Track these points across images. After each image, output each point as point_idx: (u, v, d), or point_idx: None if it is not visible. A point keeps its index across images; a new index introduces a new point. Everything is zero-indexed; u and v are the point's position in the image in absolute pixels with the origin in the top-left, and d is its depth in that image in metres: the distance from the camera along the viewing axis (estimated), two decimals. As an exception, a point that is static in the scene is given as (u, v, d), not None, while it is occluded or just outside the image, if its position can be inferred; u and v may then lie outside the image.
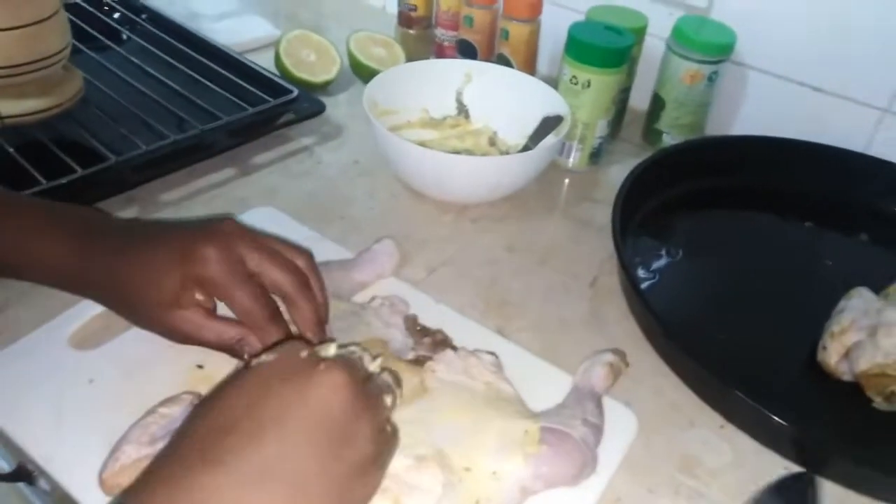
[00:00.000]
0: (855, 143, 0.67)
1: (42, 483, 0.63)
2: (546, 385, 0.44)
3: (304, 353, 0.33)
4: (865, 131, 0.68)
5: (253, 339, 0.40)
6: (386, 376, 0.36)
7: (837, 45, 0.67)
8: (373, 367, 0.35)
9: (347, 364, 0.32)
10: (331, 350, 0.34)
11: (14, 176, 0.54)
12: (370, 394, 0.33)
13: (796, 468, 0.43)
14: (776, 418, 0.41)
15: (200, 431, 0.30)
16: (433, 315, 0.49)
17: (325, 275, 0.47)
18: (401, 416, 0.37)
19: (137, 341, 0.45)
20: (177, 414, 0.38)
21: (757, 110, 0.75)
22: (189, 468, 0.29)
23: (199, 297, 0.40)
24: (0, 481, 0.66)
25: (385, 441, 0.33)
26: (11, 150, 0.58)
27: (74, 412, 0.41)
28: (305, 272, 0.42)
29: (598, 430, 0.40)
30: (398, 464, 0.35)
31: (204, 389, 0.41)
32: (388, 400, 0.34)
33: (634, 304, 0.51)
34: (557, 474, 0.37)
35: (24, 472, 0.64)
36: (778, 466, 0.43)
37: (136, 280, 0.39)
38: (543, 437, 0.38)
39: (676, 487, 0.41)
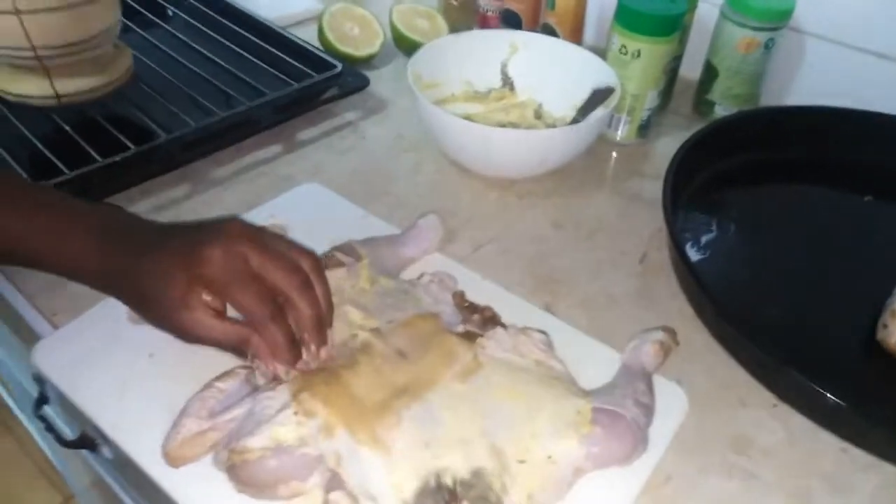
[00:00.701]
0: (920, 112, 0.64)
1: (105, 451, 0.66)
2: (596, 363, 0.44)
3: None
4: (932, 99, 0.65)
5: (257, 340, 0.40)
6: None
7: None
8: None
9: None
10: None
11: (71, 153, 0.56)
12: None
13: (854, 449, 0.42)
14: (832, 397, 0.40)
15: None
16: (481, 292, 0.49)
17: (372, 251, 0.48)
18: (456, 392, 0.37)
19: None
20: (232, 388, 0.39)
21: (814, 79, 0.72)
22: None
23: (206, 297, 0.40)
24: (64, 447, 0.69)
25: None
26: (68, 128, 0.60)
27: (137, 384, 0.43)
28: (308, 274, 0.42)
29: (648, 410, 0.40)
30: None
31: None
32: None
33: (685, 281, 0.50)
34: (609, 455, 0.37)
35: (88, 440, 0.67)
36: (833, 447, 0.42)
37: (147, 281, 0.40)
38: (595, 418, 0.37)
39: (728, 467, 0.41)
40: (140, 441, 0.39)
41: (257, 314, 0.39)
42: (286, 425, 0.35)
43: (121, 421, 0.41)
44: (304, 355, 0.40)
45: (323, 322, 0.41)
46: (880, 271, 0.51)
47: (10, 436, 1.46)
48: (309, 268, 0.42)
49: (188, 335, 0.41)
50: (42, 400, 0.73)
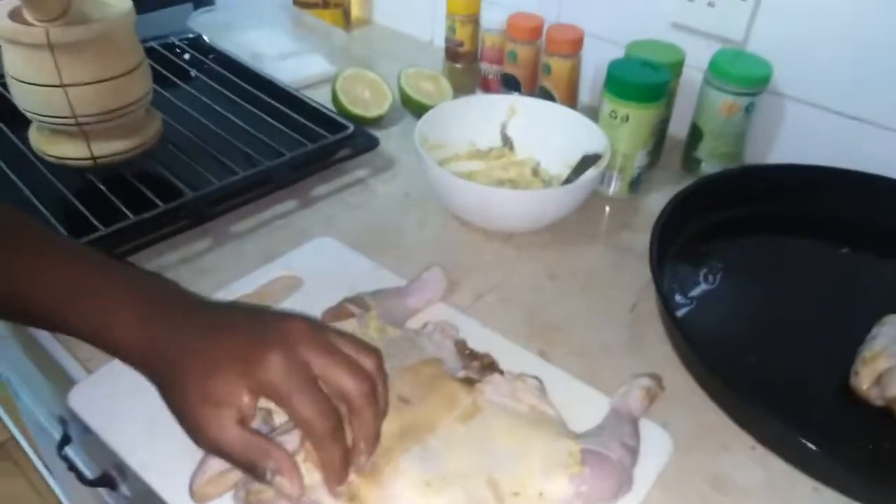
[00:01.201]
0: (892, 170, 0.69)
1: (123, 489, 0.70)
2: (586, 407, 0.48)
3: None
4: (902, 159, 0.70)
5: (282, 457, 0.37)
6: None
7: (874, 75, 0.69)
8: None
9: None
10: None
11: (105, 210, 0.61)
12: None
13: (827, 490, 0.45)
14: (806, 442, 0.43)
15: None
16: (480, 339, 0.53)
17: (380, 302, 0.52)
18: (458, 436, 0.41)
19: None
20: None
21: (795, 139, 0.77)
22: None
23: (245, 401, 0.37)
24: (85, 485, 0.73)
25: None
26: (102, 186, 0.65)
27: (166, 426, 0.46)
28: (374, 377, 0.40)
29: (634, 452, 0.43)
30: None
31: (276, 406, 0.46)
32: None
33: (670, 331, 0.54)
34: (597, 493, 0.40)
35: (108, 479, 0.70)
36: (807, 487, 0.45)
37: (189, 365, 0.38)
38: (584, 458, 0.41)
39: (709, 505, 0.44)
40: (167, 479, 0.43)
41: (319, 429, 0.37)
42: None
43: (150, 461, 0.44)
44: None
45: (379, 434, 0.40)
46: (855, 321, 0.54)
47: (22, 478, 1.48)
48: (373, 369, 0.40)
49: (206, 437, 0.37)
50: (65, 440, 0.76)
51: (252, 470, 0.38)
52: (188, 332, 0.39)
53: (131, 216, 0.60)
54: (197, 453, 0.42)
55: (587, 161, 0.67)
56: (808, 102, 0.74)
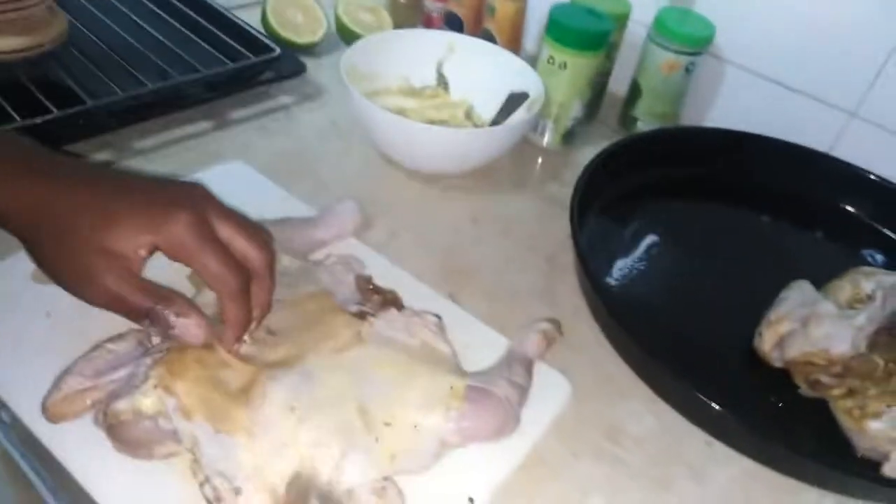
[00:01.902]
0: (821, 143, 0.69)
1: (2, 415, 0.65)
2: (485, 349, 0.46)
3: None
4: (832, 132, 0.70)
5: (184, 303, 0.38)
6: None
7: (812, 47, 0.68)
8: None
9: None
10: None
11: (-9, 112, 0.55)
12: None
13: (719, 444, 0.45)
14: (700, 395, 0.43)
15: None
16: (388, 277, 0.50)
17: (282, 231, 0.49)
18: (333, 364, 0.39)
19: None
20: (122, 350, 0.39)
21: (731, 104, 0.76)
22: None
23: (143, 256, 0.37)
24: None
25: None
26: (-9, 86, 0.59)
27: (31, 342, 0.43)
28: (270, 250, 0.41)
29: (522, 390, 0.42)
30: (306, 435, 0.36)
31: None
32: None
33: (582, 280, 0.53)
34: (477, 429, 0.39)
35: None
36: (701, 441, 0.45)
37: (84, 224, 0.36)
38: (468, 395, 0.39)
39: (600, 452, 0.44)
40: (27, 398, 0.39)
41: (232, 284, 0.37)
42: (149, 396, 0.36)
43: (11, 378, 0.41)
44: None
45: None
46: (770, 287, 0.54)
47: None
48: (271, 244, 0.41)
49: (101, 287, 0.36)
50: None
51: (153, 316, 0.37)
52: (83, 189, 0.38)
53: (18, 119, 0.55)
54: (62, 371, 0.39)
55: (514, 100, 0.64)
56: (746, 68, 0.73)
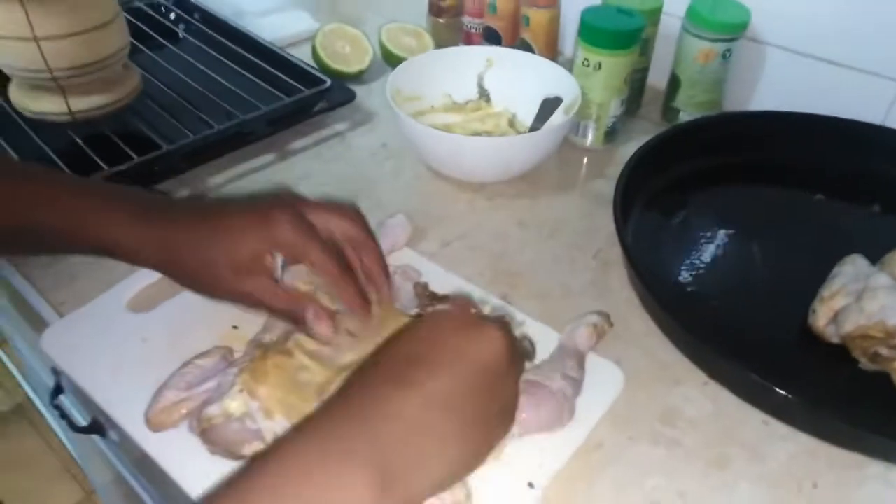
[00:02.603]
0: (872, 116, 0.68)
1: (112, 434, 0.72)
2: (542, 345, 0.49)
3: (472, 310, 0.40)
4: (882, 103, 0.68)
5: (318, 306, 0.44)
6: (526, 343, 0.45)
7: (852, 19, 0.67)
8: (518, 332, 0.41)
9: (506, 325, 0.38)
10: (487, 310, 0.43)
11: (81, 163, 0.62)
12: (517, 353, 0.38)
13: (775, 421, 0.46)
14: (753, 374, 0.44)
15: (389, 362, 0.36)
16: (443, 283, 0.53)
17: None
18: None
19: (184, 305, 0.52)
20: (209, 365, 0.44)
21: (775, 86, 0.76)
22: (380, 387, 0.34)
23: (269, 261, 0.44)
24: (76, 432, 0.76)
25: (518, 395, 0.39)
26: (80, 140, 0.66)
27: (130, 364, 0.48)
28: (363, 219, 0.48)
29: (576, 383, 0.44)
30: None
31: (237, 345, 0.48)
32: (526, 363, 0.40)
33: (629, 272, 0.55)
34: (534, 421, 0.41)
35: (97, 425, 0.73)
36: (756, 419, 0.46)
37: (212, 245, 0.43)
38: (525, 388, 0.42)
39: (656, 436, 0.45)
40: (131, 412, 0.45)
41: (335, 268, 0.43)
42: (236, 399, 0.40)
43: (114, 396, 0.46)
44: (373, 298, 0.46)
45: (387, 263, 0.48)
46: (823, 265, 0.54)
47: (35, 433, 1.54)
48: (361, 214, 0.48)
49: (251, 300, 0.43)
50: (58, 390, 0.79)
51: (294, 318, 0.43)
52: (196, 220, 0.44)
53: (105, 167, 0.62)
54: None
55: (548, 105, 0.67)
56: (786, 48, 0.73)
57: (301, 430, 0.33)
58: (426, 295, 0.51)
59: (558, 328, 0.51)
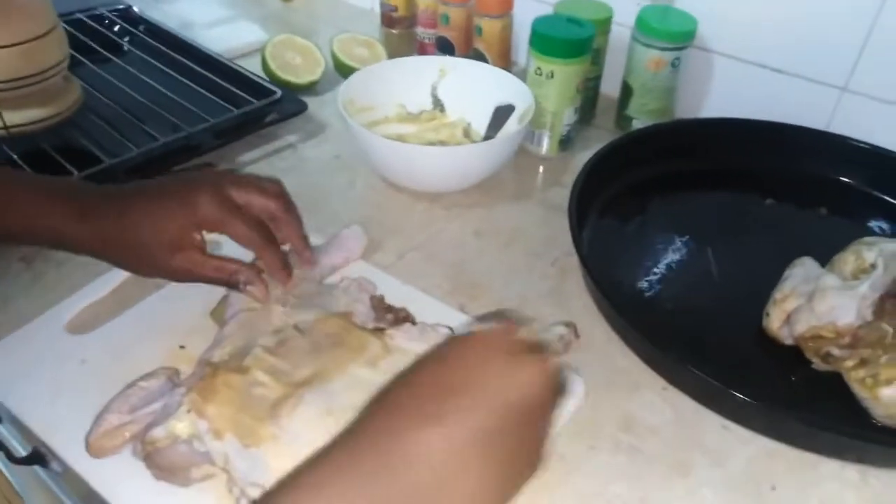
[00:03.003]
0: (816, 121, 0.70)
1: (54, 465, 0.68)
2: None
3: (514, 336, 0.35)
4: (826, 109, 0.70)
5: (246, 269, 0.47)
6: (565, 375, 0.43)
7: (793, 27, 0.69)
8: (557, 365, 0.37)
9: (548, 360, 0.34)
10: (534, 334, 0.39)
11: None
12: (556, 392, 0.34)
13: (734, 425, 0.46)
14: (708, 378, 0.44)
15: (415, 391, 0.32)
16: (399, 296, 0.52)
17: (295, 259, 0.52)
18: (367, 373, 0.41)
19: (125, 325, 0.50)
20: (154, 386, 0.42)
21: (724, 93, 0.77)
22: (403, 421, 0.30)
23: (196, 237, 0.46)
24: (15, 464, 0.71)
25: (549, 430, 0.35)
26: (15, 156, 0.63)
27: (69, 388, 0.46)
28: (285, 194, 0.49)
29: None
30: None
31: (184, 367, 0.46)
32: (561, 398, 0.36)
33: (586, 279, 0.54)
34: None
35: (38, 455, 0.69)
36: (716, 425, 0.46)
37: (141, 230, 0.45)
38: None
39: (617, 444, 0.45)
40: (70, 438, 0.42)
41: (258, 240, 0.46)
42: (182, 420, 0.38)
43: (53, 422, 0.44)
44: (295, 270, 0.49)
45: (306, 236, 0.51)
46: (775, 268, 0.54)
47: (-23, 469, 1.46)
48: (282, 191, 0.49)
49: (185, 274, 0.46)
50: (-6, 419, 0.74)
51: (226, 283, 0.47)
52: (122, 203, 0.45)
53: (43, 184, 0.59)
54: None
55: (501, 113, 0.67)
56: (733, 56, 0.74)
57: (316, 469, 0.29)
58: (382, 308, 0.50)
59: (517, 337, 0.50)
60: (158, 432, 0.38)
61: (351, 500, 0.28)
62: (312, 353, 0.43)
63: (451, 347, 0.34)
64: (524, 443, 0.32)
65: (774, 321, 0.51)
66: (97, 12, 0.91)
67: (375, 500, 0.28)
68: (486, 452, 0.30)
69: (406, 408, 0.31)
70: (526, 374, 0.32)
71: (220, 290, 0.51)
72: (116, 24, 0.91)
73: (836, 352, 0.47)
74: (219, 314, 0.50)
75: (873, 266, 0.50)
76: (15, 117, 0.64)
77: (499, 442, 0.30)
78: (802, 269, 0.52)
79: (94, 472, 0.40)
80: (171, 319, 0.51)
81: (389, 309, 0.50)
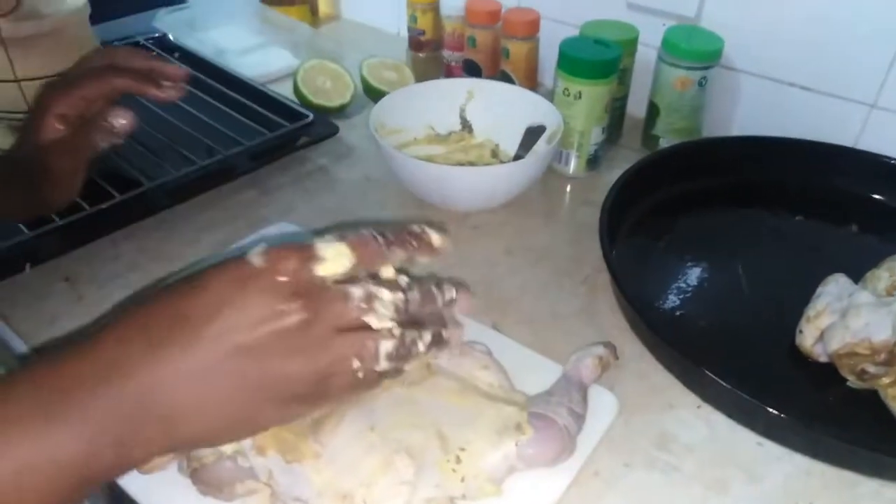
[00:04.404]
0: (845, 138, 0.70)
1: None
2: (535, 373, 0.48)
3: (255, 261, 0.32)
4: (854, 126, 0.70)
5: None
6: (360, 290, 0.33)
7: (821, 45, 0.69)
8: (323, 269, 0.32)
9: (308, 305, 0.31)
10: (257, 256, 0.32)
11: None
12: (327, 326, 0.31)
13: (769, 442, 0.46)
14: (742, 394, 0.44)
15: (152, 314, 0.32)
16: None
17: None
18: (409, 393, 0.42)
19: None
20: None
21: (752, 111, 0.78)
22: (131, 345, 0.31)
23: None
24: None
25: (324, 383, 0.32)
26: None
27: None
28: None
29: (580, 419, 0.43)
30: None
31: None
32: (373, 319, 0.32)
33: (618, 296, 0.55)
34: (539, 456, 0.41)
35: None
36: (750, 442, 0.46)
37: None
38: (531, 422, 0.41)
39: (652, 461, 0.45)
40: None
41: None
42: None
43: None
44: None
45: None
46: (807, 285, 0.54)
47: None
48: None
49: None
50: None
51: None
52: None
53: (87, 207, 0.61)
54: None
55: (532, 133, 0.68)
56: (760, 75, 0.75)
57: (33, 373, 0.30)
58: (416, 326, 0.51)
59: (550, 354, 0.51)
60: (203, 449, 0.39)
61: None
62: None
63: (206, 274, 0.32)
64: (253, 391, 0.31)
65: (808, 338, 0.51)
66: (135, 40, 0.94)
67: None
68: (204, 391, 0.31)
69: (139, 331, 0.31)
70: (255, 318, 0.31)
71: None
72: (153, 51, 0.94)
73: (871, 369, 0.47)
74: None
75: (908, 282, 0.49)
76: (60, 143, 0.66)
77: (217, 382, 0.31)
78: (836, 286, 0.52)
79: (143, 489, 0.41)
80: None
81: (424, 328, 0.51)
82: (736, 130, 0.79)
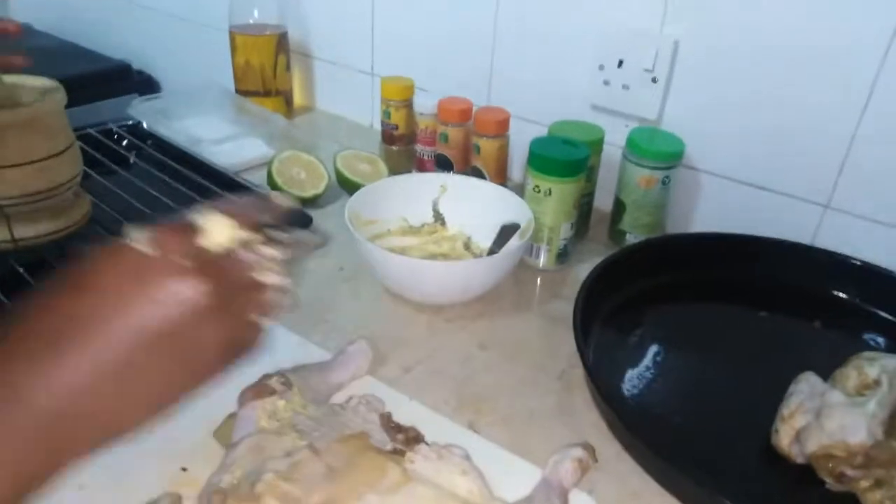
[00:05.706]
0: (803, 236, 0.73)
1: None
2: (514, 477, 0.47)
3: (144, 249, 0.33)
4: (811, 224, 0.74)
5: None
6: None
7: (775, 148, 0.74)
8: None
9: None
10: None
11: (20, 291, 0.59)
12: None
13: (753, 551, 0.45)
14: (725, 500, 0.43)
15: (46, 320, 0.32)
16: (407, 412, 0.52)
17: (303, 378, 0.51)
18: (390, 501, 0.40)
19: (126, 448, 0.48)
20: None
21: (711, 208, 0.81)
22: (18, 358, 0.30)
23: None
24: None
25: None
26: (21, 269, 0.63)
27: (65, 517, 0.44)
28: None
29: (562, 527, 0.42)
30: None
31: (186, 490, 0.44)
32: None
33: (596, 399, 0.54)
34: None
35: None
36: (735, 549, 0.45)
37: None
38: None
39: (636, 573, 0.43)
40: None
41: None
42: None
43: None
44: None
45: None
46: (778, 381, 0.55)
47: None
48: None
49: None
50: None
51: None
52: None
53: (49, 298, 0.59)
54: None
55: (507, 231, 0.69)
56: (719, 175, 0.79)
57: None
58: (392, 427, 0.50)
59: (529, 457, 0.49)
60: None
61: None
62: (328, 478, 0.41)
63: (94, 271, 0.33)
64: (174, 371, 0.32)
65: (784, 438, 0.51)
66: (107, 127, 0.94)
67: None
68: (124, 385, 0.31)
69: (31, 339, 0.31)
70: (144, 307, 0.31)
71: (222, 408, 0.51)
72: (125, 138, 0.94)
73: (849, 472, 0.47)
74: (223, 434, 0.49)
75: (877, 382, 0.50)
76: (25, 231, 0.65)
77: (135, 374, 0.31)
78: (807, 385, 0.52)
79: None
80: (172, 440, 0.49)
81: (399, 428, 0.49)
82: (698, 226, 0.82)
